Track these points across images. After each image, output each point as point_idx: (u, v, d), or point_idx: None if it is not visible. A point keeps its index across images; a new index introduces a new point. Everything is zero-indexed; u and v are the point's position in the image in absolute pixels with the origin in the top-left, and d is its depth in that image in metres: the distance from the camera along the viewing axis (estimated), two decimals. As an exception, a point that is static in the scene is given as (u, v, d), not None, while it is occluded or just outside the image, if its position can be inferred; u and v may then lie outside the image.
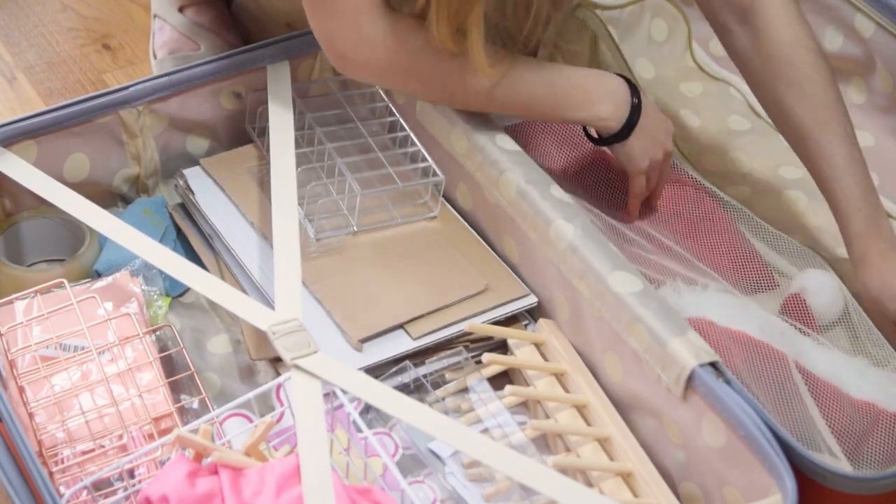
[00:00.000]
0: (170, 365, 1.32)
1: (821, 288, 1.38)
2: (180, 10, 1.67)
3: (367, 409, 1.26)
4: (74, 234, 1.43)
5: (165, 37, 1.68)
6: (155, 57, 1.69)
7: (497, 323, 1.35)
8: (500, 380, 1.31)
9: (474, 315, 1.34)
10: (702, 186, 1.51)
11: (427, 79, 1.36)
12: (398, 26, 1.33)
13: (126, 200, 1.51)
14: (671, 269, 1.38)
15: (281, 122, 1.43)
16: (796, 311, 1.38)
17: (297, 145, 1.42)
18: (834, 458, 1.22)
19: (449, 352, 1.32)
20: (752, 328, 1.30)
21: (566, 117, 1.41)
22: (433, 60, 1.34)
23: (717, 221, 1.47)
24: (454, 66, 1.34)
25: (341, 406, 1.17)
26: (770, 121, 1.41)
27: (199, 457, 1.11)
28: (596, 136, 1.43)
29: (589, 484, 1.23)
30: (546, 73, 1.39)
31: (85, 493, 1.16)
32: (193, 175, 1.47)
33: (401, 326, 1.33)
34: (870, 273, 1.31)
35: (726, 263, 1.43)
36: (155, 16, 1.71)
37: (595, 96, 1.39)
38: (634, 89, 1.40)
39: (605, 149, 1.46)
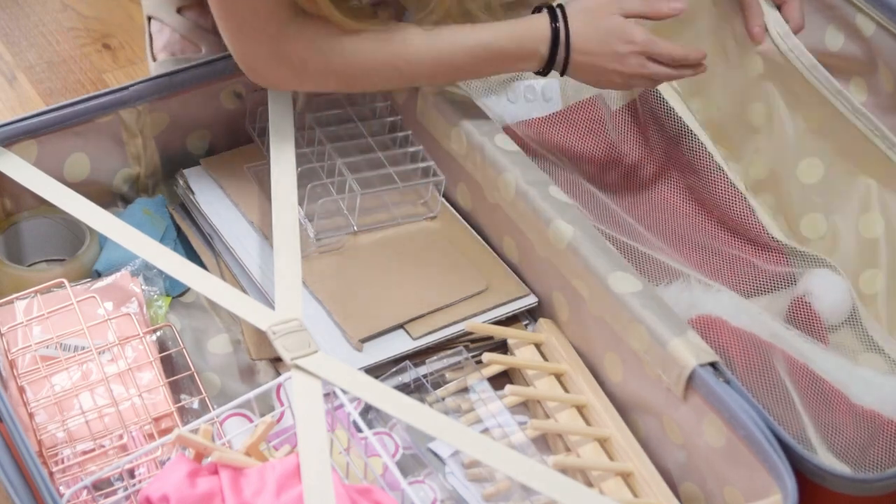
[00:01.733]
0: (170, 365, 1.32)
1: (828, 289, 1.38)
2: (179, 10, 1.66)
3: (367, 409, 1.26)
4: (74, 234, 1.43)
5: (165, 39, 1.67)
6: (154, 59, 1.68)
7: (497, 323, 1.35)
8: (500, 380, 1.31)
9: (474, 315, 1.34)
10: (719, 174, 1.48)
11: (347, 74, 1.35)
12: (310, 36, 1.32)
13: (126, 200, 1.51)
14: (678, 267, 1.37)
15: (281, 122, 1.43)
16: (803, 312, 1.37)
17: (297, 145, 1.42)
18: (835, 461, 1.22)
19: (449, 352, 1.32)
20: (762, 331, 1.29)
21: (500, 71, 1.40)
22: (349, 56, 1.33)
23: (729, 217, 1.47)
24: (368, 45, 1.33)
25: (341, 406, 1.17)
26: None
27: (199, 456, 1.11)
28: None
29: (589, 484, 1.23)
30: (471, 35, 1.35)
31: (85, 492, 1.16)
32: (194, 175, 1.47)
33: (401, 326, 1.33)
34: None
35: (737, 260, 1.43)
36: (150, 17, 1.69)
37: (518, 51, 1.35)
38: (554, 16, 1.35)
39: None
